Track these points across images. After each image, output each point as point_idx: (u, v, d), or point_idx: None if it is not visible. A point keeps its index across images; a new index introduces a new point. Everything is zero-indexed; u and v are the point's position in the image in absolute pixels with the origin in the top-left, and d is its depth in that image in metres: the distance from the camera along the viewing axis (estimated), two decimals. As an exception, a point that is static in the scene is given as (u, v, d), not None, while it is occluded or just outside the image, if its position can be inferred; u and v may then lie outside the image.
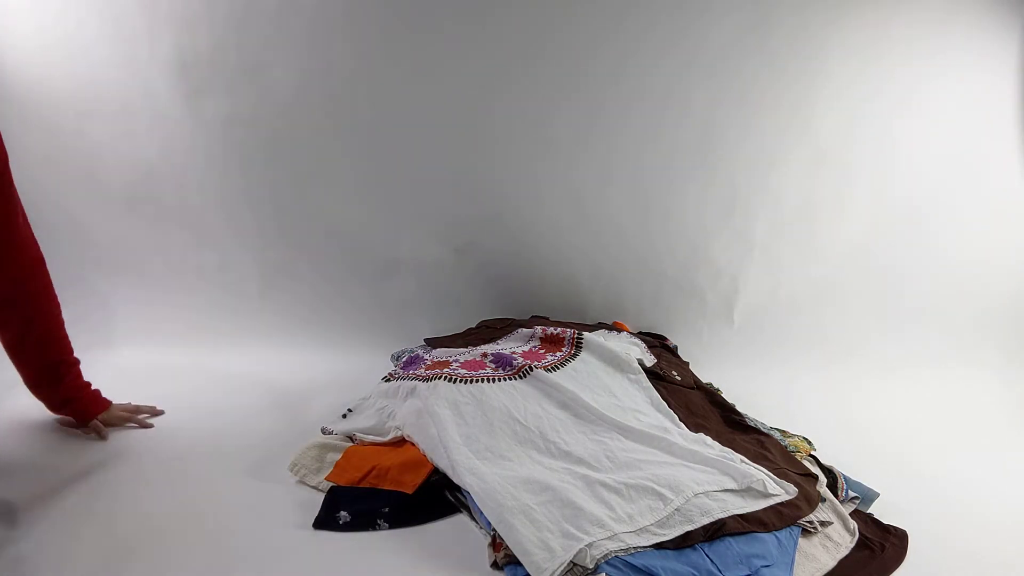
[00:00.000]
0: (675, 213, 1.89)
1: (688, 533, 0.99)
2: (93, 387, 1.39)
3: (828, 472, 1.21)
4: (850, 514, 1.12)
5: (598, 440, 1.24)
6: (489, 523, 1.04)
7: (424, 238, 1.92)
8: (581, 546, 0.94)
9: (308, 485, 1.22)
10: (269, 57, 1.74)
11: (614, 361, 1.51)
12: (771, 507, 1.05)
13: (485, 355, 1.54)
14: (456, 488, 1.17)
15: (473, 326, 1.84)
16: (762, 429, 1.35)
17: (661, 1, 1.67)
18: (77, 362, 1.37)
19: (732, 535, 0.99)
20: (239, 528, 1.09)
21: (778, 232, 1.89)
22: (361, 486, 1.19)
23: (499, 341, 1.67)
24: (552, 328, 1.66)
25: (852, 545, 1.05)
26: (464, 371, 1.44)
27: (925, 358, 1.88)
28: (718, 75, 1.74)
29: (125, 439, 1.38)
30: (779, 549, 0.99)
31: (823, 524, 1.07)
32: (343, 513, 1.10)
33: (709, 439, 1.25)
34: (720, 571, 0.93)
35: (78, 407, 1.34)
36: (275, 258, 1.95)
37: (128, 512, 1.14)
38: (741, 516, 1.02)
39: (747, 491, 1.08)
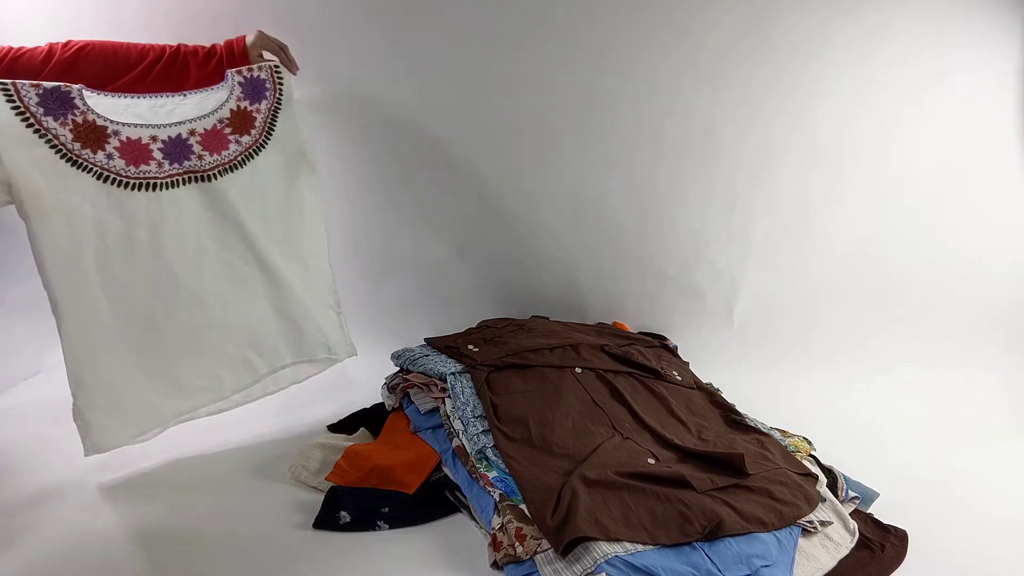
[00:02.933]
0: (675, 213, 1.88)
1: (686, 532, 0.99)
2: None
3: (828, 472, 1.21)
4: (850, 514, 1.12)
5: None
6: (489, 523, 1.04)
7: (424, 238, 1.92)
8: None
9: (308, 485, 1.23)
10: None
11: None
12: (771, 507, 1.05)
13: (154, 138, 1.19)
14: (456, 488, 1.17)
15: (473, 326, 1.84)
16: (762, 429, 1.35)
17: (662, 1, 1.67)
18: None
19: (732, 535, 0.99)
20: (240, 528, 1.09)
21: (778, 232, 1.89)
22: (361, 486, 1.19)
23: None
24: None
25: (852, 545, 1.05)
26: (122, 163, 1.15)
27: (924, 357, 1.88)
28: (718, 75, 1.74)
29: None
30: (779, 549, 0.99)
31: (823, 524, 1.07)
32: (343, 513, 1.11)
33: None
34: (720, 571, 0.93)
35: (222, 51, 1.35)
36: (275, 258, 1.95)
37: (129, 512, 1.14)
38: (740, 516, 1.02)
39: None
